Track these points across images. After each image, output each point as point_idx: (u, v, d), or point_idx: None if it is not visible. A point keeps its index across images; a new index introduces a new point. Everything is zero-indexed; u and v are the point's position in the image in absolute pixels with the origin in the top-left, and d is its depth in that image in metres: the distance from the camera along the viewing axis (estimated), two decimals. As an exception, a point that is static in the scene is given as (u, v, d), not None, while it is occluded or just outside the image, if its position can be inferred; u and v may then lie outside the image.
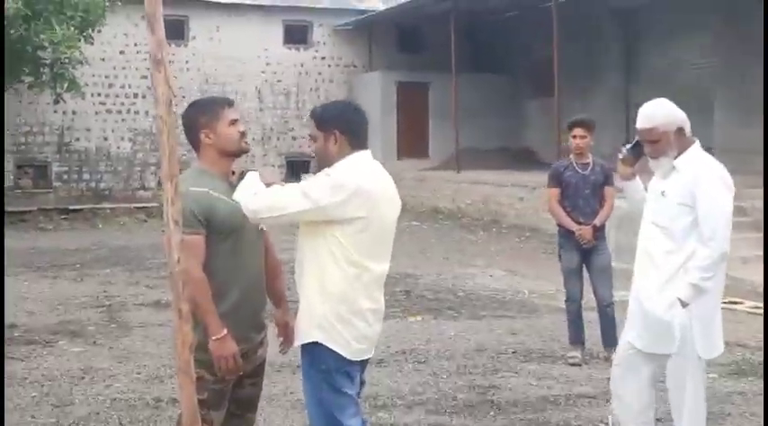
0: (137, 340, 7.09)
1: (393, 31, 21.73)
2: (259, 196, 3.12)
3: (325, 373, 3.16)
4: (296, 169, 20.40)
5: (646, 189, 4.10)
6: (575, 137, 6.16)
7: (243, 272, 3.30)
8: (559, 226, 6.32)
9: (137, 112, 19.73)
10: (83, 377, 5.90)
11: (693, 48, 16.63)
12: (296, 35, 21.09)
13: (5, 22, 13.92)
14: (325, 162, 3.25)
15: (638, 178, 4.18)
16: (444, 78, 20.34)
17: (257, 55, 20.63)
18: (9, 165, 18.72)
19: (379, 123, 20.19)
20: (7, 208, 17.41)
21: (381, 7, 20.82)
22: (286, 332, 3.54)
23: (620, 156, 4.07)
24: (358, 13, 21.04)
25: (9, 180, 18.67)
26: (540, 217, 14.75)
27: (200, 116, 3.35)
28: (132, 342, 7.00)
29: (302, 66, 21.07)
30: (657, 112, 3.85)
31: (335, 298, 3.14)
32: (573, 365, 6.11)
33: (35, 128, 18.97)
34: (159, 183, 21.51)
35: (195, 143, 3.37)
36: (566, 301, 6.37)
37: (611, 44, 18.56)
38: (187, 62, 19.94)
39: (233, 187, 3.28)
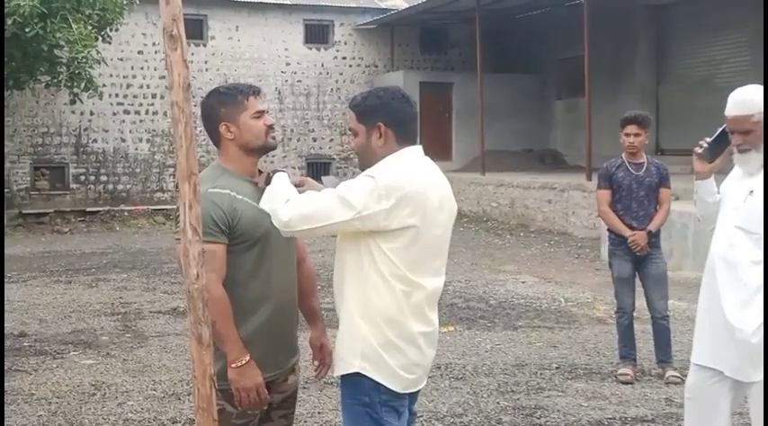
0: (152, 351, 6.66)
1: (416, 30, 21.28)
2: (291, 204, 2.65)
3: (369, 407, 2.67)
4: (316, 171, 20.00)
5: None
6: (628, 134, 5.66)
7: (271, 287, 2.85)
8: (610, 231, 5.82)
9: (155, 113, 19.38)
10: (94, 394, 5.47)
11: (728, 45, 16.06)
12: (317, 34, 20.68)
13: (21, 21, 13.60)
14: (367, 160, 2.77)
15: (713, 177, 3.66)
16: (468, 78, 19.91)
17: (277, 55, 20.24)
18: (26, 167, 18.41)
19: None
20: (23, 210, 17.14)
21: (404, 6, 20.35)
22: (322, 355, 3.09)
23: (698, 151, 3.54)
24: (380, 12, 20.60)
25: (26, 181, 18.37)
26: (569, 221, 14.26)
27: (221, 106, 2.89)
28: (148, 354, 6.57)
29: (323, 66, 20.65)
30: (756, 98, 3.30)
31: (382, 321, 2.67)
32: (624, 383, 5.61)
33: (52, 128, 18.65)
34: (178, 186, 21.04)
35: (215, 137, 2.93)
36: (616, 313, 5.87)
37: (641, 42, 18.00)
38: (206, 62, 19.57)
39: (259, 189, 2.84)
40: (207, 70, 19.53)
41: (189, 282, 2.35)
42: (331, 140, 20.81)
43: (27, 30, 13.83)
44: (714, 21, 16.05)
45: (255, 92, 2.93)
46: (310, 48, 20.56)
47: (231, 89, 2.93)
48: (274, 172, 2.86)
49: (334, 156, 20.89)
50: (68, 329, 7.45)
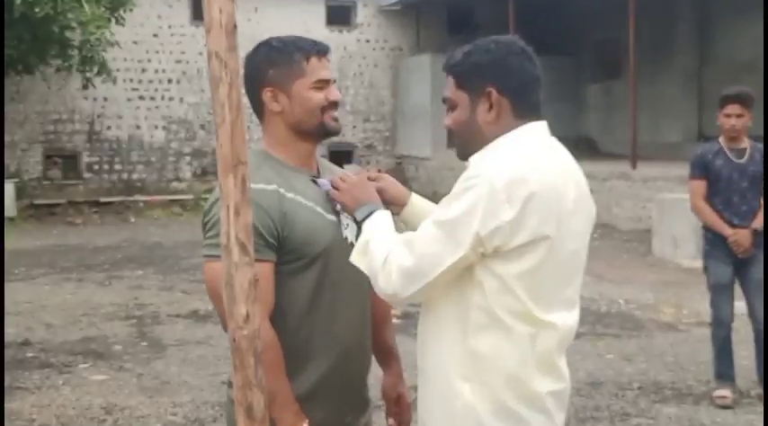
0: (171, 363, 5.89)
1: (443, 10, 20.33)
2: (389, 264, 1.83)
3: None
4: (338, 160, 19.18)
5: None
6: (728, 115, 4.82)
7: (336, 322, 2.05)
8: (706, 228, 4.96)
9: (171, 99, 18.57)
10: (104, 420, 4.70)
11: (779, 24, 15.07)
12: (339, 16, 19.79)
13: (30, 0, 12.85)
14: (471, 143, 1.92)
15: None
16: (497, 61, 19.00)
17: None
18: (37, 155, 17.68)
19: (429, 111, 18.93)
20: (35, 201, 16.44)
21: (430, -14, 19.46)
22: (399, 410, 2.29)
23: None
24: (405, -7, 19.70)
25: (37, 171, 17.63)
26: (612, 213, 13.37)
27: (269, 65, 2.07)
28: (166, 367, 5.79)
29: (345, 49, 19.76)
30: None
31: (495, 381, 1.83)
32: (723, 407, 4.78)
33: (64, 115, 17.88)
34: (195, 174, 20.48)
35: (258, 107, 2.11)
36: (712, 324, 5.02)
37: (682, 21, 17.00)
38: (224, 45, 18.74)
39: (320, 189, 2.06)
40: (225, 54, 18.71)
41: (234, 326, 1.54)
42: (354, 127, 19.94)
43: (37, 10, 13.10)
44: (764, -2, 15.05)
45: (321, 51, 2.09)
46: (332, 31, 19.66)
47: (287, 44, 2.10)
48: (325, 181, 2.10)
49: (357, 144, 20.04)
50: (78, 336, 6.68)
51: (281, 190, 1.99)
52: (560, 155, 1.94)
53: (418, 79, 19.17)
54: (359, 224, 2.00)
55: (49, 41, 13.98)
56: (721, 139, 4.93)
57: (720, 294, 4.89)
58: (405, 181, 19.74)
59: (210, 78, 1.47)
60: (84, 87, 15.16)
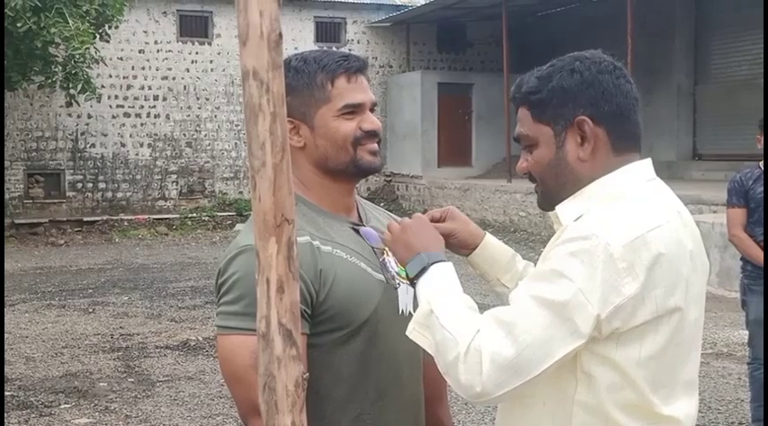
0: (161, 403, 5.46)
1: (433, 27, 20.06)
2: (477, 349, 1.37)
3: None
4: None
5: None
6: (769, 139, 4.47)
7: (387, 409, 1.65)
8: (745, 260, 4.59)
9: (157, 116, 18.15)
10: (89, 474, 4.28)
11: (776, 42, 14.87)
12: (328, 32, 19.49)
13: (13, 15, 12.46)
14: (558, 189, 1.54)
15: None
16: (488, 79, 18.76)
17: (287, 53, 18.95)
18: (19, 173, 17.18)
19: (419, 128, 18.61)
20: (17, 220, 15.95)
21: (420, 2, 19.16)
22: None
23: None
24: (395, 9, 19.42)
25: (19, 189, 17.14)
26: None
27: (287, 91, 1.66)
28: (155, 407, 5.37)
29: (335, 66, 19.43)
30: None
31: None
32: (764, 455, 4.41)
33: (47, 133, 17.40)
34: (181, 193, 19.92)
35: None
36: (749, 363, 4.64)
37: (678, 38, 16.80)
38: (211, 62, 18.37)
39: (362, 241, 1.68)
40: (212, 70, 18.34)
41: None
42: (343, 145, 19.58)
43: (19, 25, 12.72)
44: (762, 14, 14.86)
45: (352, 69, 1.67)
46: (322, 47, 19.34)
47: (308, 63, 1.67)
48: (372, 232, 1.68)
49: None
50: (59, 372, 6.24)
51: (315, 243, 1.59)
52: (674, 200, 1.55)
53: (408, 96, 18.87)
54: (412, 281, 1.57)
55: (31, 57, 13.57)
56: (761, 164, 4.58)
57: (761, 331, 4.52)
58: (395, 200, 19.37)
59: (246, 106, 1.09)
60: (68, 104, 14.72)
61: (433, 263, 1.54)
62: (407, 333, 1.50)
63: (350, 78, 1.67)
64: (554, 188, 1.55)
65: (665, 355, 1.42)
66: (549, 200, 1.57)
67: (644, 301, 1.37)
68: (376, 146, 1.69)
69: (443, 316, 1.44)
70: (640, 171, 1.53)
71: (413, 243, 1.58)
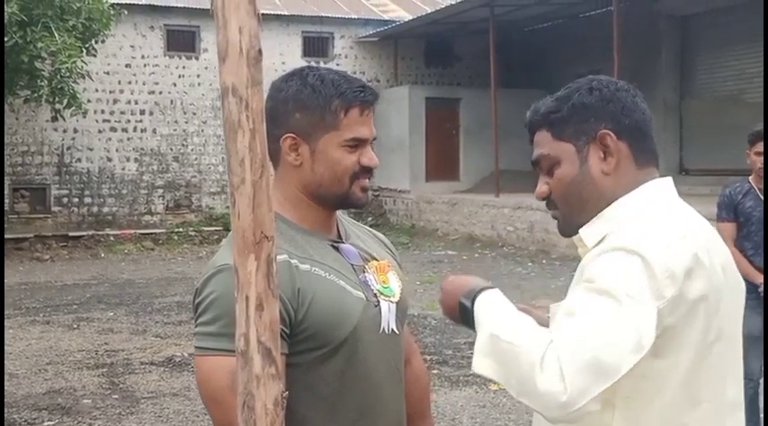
0: (146, 420, 5.41)
1: (420, 42, 20.15)
2: (554, 358, 1.30)
3: None
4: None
5: None
6: (759, 153, 4.48)
7: (367, 425, 1.63)
8: (732, 276, 4.60)
9: (143, 130, 18.10)
10: (71, 492, 4.23)
11: (762, 58, 15.01)
12: (316, 47, 19.53)
13: (-2, 29, 12.42)
14: (582, 208, 1.55)
15: None
16: (476, 94, 18.83)
17: (275, 68, 18.93)
18: (4, 188, 17.10)
19: (407, 143, 18.65)
20: (1, 236, 15.85)
21: (407, 17, 19.25)
22: None
23: None
24: (382, 24, 19.48)
25: (4, 204, 17.04)
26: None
27: (297, 107, 1.63)
28: (140, 425, 5.32)
29: (322, 80, 19.47)
30: None
31: None
32: (750, 470, 4.40)
33: (33, 147, 17.33)
34: (168, 207, 19.86)
35: (273, 152, 1.61)
36: (737, 379, 4.65)
37: (664, 54, 16.93)
38: (198, 76, 18.36)
39: (341, 259, 1.66)
40: (199, 85, 18.33)
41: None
42: (331, 159, 19.60)
43: (5, 39, 12.67)
44: (747, 30, 15.01)
45: (367, 102, 1.66)
46: (309, 62, 19.37)
47: (326, 84, 1.64)
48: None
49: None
50: (43, 388, 6.18)
51: (293, 262, 1.56)
52: (700, 218, 1.56)
53: (396, 111, 18.90)
54: (466, 319, 1.51)
55: (17, 71, 13.53)
56: (751, 179, 4.59)
57: (751, 347, 4.50)
58: (382, 215, 19.37)
59: (225, 122, 1.08)
60: (54, 119, 14.67)
61: (474, 298, 1.50)
62: (473, 369, 1.43)
63: (363, 111, 1.66)
64: (576, 207, 1.55)
65: (701, 369, 1.41)
66: (570, 223, 1.57)
67: (682, 301, 1.38)
68: (368, 182, 1.70)
69: (507, 335, 1.38)
70: (664, 186, 1.55)
71: (448, 302, 1.56)
